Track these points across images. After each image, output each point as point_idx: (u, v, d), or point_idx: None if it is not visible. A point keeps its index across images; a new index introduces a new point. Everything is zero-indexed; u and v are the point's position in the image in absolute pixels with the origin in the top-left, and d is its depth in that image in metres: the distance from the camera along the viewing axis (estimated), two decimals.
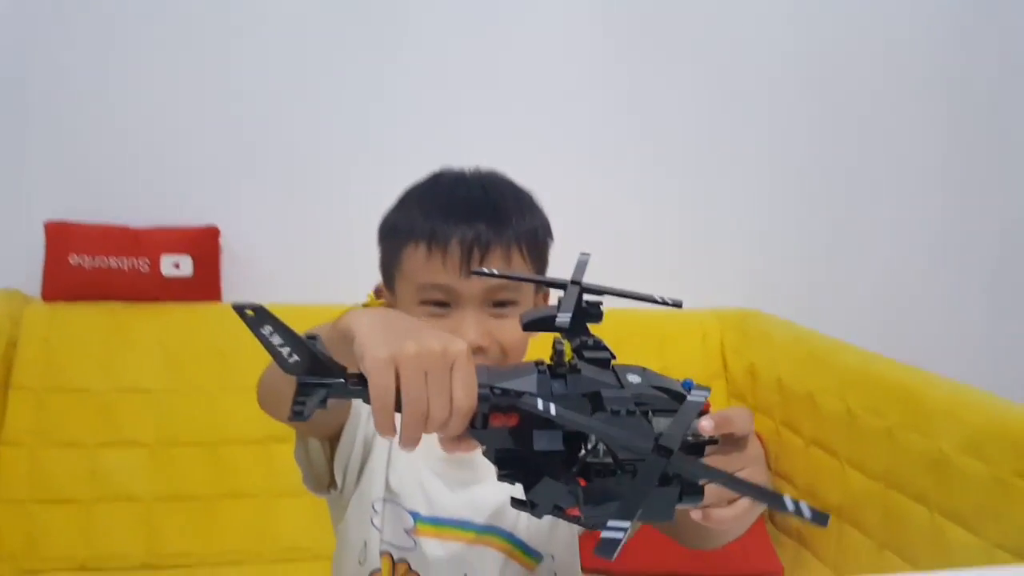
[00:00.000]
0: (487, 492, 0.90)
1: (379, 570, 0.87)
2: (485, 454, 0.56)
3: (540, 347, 0.72)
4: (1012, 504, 1.21)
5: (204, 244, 1.85)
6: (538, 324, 0.61)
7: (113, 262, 1.79)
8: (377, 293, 0.94)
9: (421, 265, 0.84)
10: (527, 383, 0.54)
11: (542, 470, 0.53)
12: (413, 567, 0.87)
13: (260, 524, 1.71)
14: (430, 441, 0.90)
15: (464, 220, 0.84)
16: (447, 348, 0.53)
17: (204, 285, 1.85)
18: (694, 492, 0.52)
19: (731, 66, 2.09)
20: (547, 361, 0.57)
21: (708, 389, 0.55)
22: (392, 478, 0.88)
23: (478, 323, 0.85)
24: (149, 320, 1.78)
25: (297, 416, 0.52)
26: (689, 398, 0.53)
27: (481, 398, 0.53)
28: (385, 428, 0.52)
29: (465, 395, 0.53)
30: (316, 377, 0.51)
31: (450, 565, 0.87)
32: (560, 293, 0.62)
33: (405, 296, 0.86)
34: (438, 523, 0.88)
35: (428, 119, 1.94)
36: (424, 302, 0.84)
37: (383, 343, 0.52)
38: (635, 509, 0.48)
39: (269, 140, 1.90)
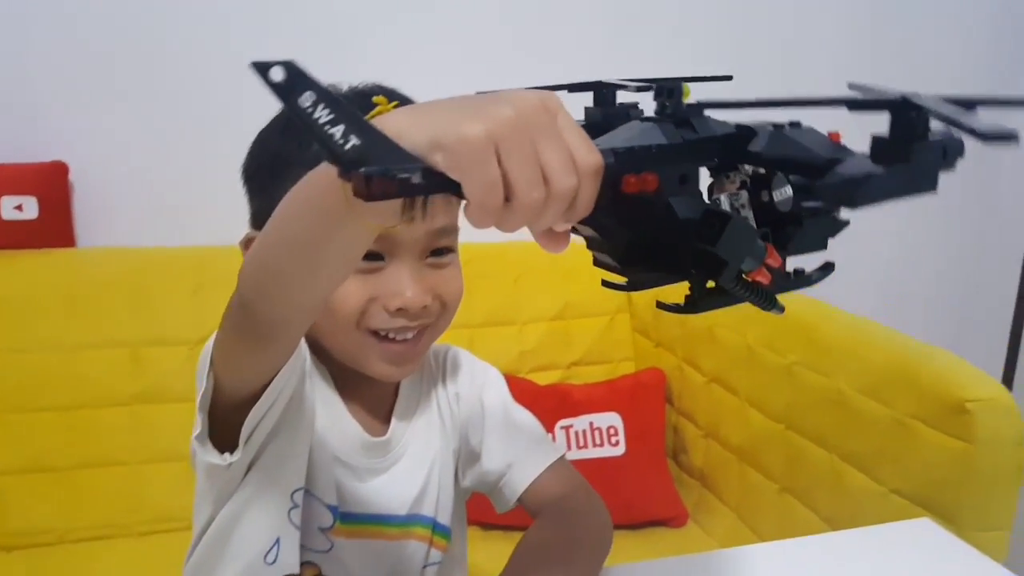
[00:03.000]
0: (404, 476, 0.81)
1: None
2: (607, 250, 0.45)
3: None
4: (910, 448, 1.17)
5: (50, 183, 1.64)
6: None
7: None
8: (247, 247, 0.75)
9: None
10: (650, 135, 0.42)
11: (683, 248, 0.42)
12: (324, 572, 0.76)
13: (128, 494, 1.56)
14: (336, 421, 0.78)
15: None
16: (544, 99, 0.39)
17: (53, 229, 1.65)
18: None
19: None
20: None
21: None
22: (310, 466, 0.75)
23: (420, 278, 0.73)
24: None
25: (365, 191, 0.35)
26: None
27: (605, 161, 0.39)
28: (493, 218, 0.38)
29: (588, 149, 0.39)
30: (391, 166, 0.35)
31: (371, 568, 0.77)
32: None
33: None
34: (357, 520, 0.78)
35: (324, 37, 1.74)
36: None
37: (464, 116, 0.37)
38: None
39: (124, 58, 1.66)
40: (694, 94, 0.45)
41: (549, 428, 1.62)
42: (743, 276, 0.44)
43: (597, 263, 0.47)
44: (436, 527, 0.83)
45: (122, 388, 1.56)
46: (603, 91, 0.48)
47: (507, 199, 0.37)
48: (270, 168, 0.75)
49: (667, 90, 0.44)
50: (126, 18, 1.66)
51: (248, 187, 0.78)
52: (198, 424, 0.66)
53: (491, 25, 1.83)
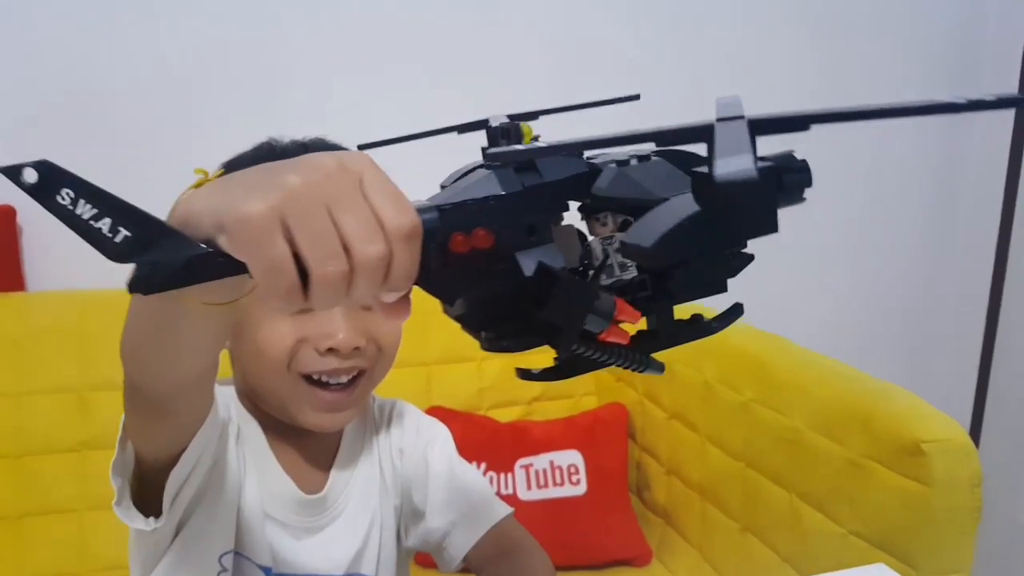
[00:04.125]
0: (342, 535, 0.78)
1: None
2: (454, 315, 0.40)
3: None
4: (866, 489, 1.15)
5: None
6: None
7: None
8: None
9: None
10: (486, 185, 0.38)
11: (540, 309, 0.37)
12: None
13: (76, 542, 1.52)
14: (268, 476, 0.75)
15: None
16: (343, 160, 0.35)
17: (1, 274, 1.62)
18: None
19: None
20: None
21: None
22: (240, 526, 0.73)
23: (354, 318, 0.71)
24: None
25: (143, 284, 0.33)
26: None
27: (427, 224, 0.36)
28: (290, 301, 0.35)
29: (397, 209, 0.35)
30: (168, 251, 0.33)
31: None
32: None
33: None
34: None
35: (280, 84, 1.72)
36: None
37: (246, 193, 0.34)
38: (741, 144, 0.31)
39: (72, 102, 1.64)
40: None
41: (508, 467, 1.59)
42: (594, 339, 0.39)
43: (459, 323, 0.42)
44: None
45: (69, 434, 1.52)
46: (494, 129, 0.45)
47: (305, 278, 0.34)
48: None
49: (503, 131, 0.40)
50: (76, 62, 1.62)
51: None
52: (116, 490, 0.63)
53: (451, 75, 1.81)
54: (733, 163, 0.30)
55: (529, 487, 1.58)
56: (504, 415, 1.70)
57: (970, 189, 2.15)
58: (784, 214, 0.40)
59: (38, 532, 1.52)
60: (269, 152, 0.76)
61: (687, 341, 0.43)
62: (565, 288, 0.37)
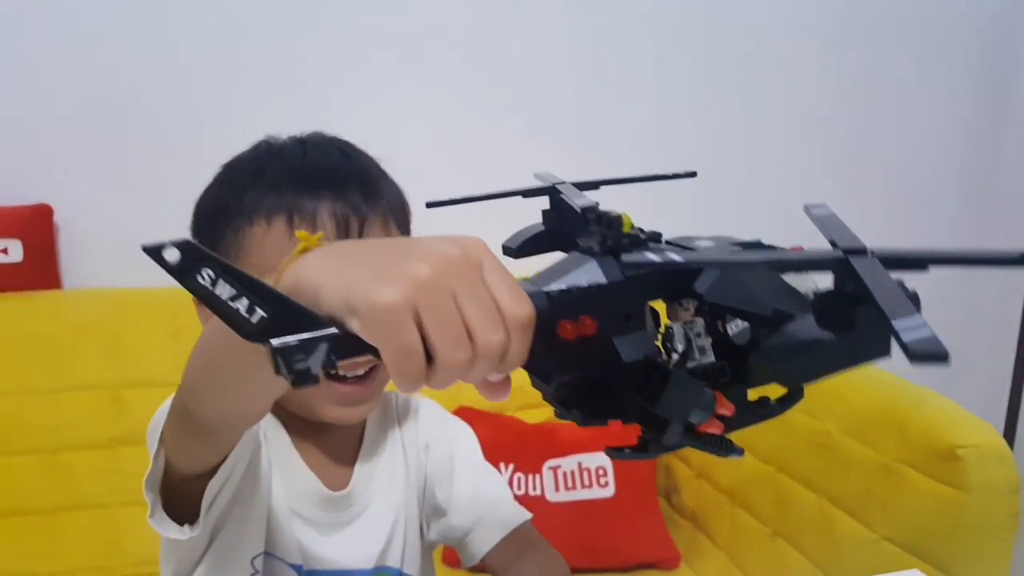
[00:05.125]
0: (368, 530, 0.79)
1: None
2: (547, 393, 0.42)
3: None
4: (900, 495, 1.13)
5: (35, 226, 1.63)
6: (535, 243, 0.46)
7: None
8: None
9: (280, 246, 0.69)
10: (588, 273, 0.38)
11: (628, 392, 0.39)
12: None
13: (108, 537, 1.53)
14: (293, 474, 0.76)
15: (331, 190, 0.70)
16: (465, 248, 0.36)
17: (38, 272, 1.64)
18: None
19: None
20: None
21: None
22: (270, 526, 0.74)
23: None
24: None
25: (303, 378, 0.34)
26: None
27: (537, 308, 0.37)
28: (416, 382, 0.36)
29: (516, 299, 0.36)
30: (303, 335, 0.34)
31: None
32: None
33: None
34: None
35: (294, 84, 1.73)
36: None
37: (377, 279, 0.35)
38: (905, 303, 0.33)
39: (107, 104, 1.67)
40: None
41: (536, 469, 1.59)
42: (692, 428, 0.41)
43: (546, 399, 0.44)
44: None
45: (102, 431, 1.54)
46: (558, 195, 0.46)
47: (430, 360, 0.35)
48: (209, 220, 0.74)
49: (607, 220, 0.40)
50: (110, 64, 1.65)
51: (197, 227, 0.77)
52: (149, 504, 0.64)
53: (464, 76, 1.81)
54: (916, 333, 0.32)
55: (557, 489, 1.58)
56: (532, 416, 1.69)
57: (1009, 192, 2.12)
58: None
59: (71, 527, 1.54)
60: (267, 151, 0.76)
61: (755, 423, 0.44)
62: (678, 385, 0.38)
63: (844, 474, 1.23)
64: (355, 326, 0.35)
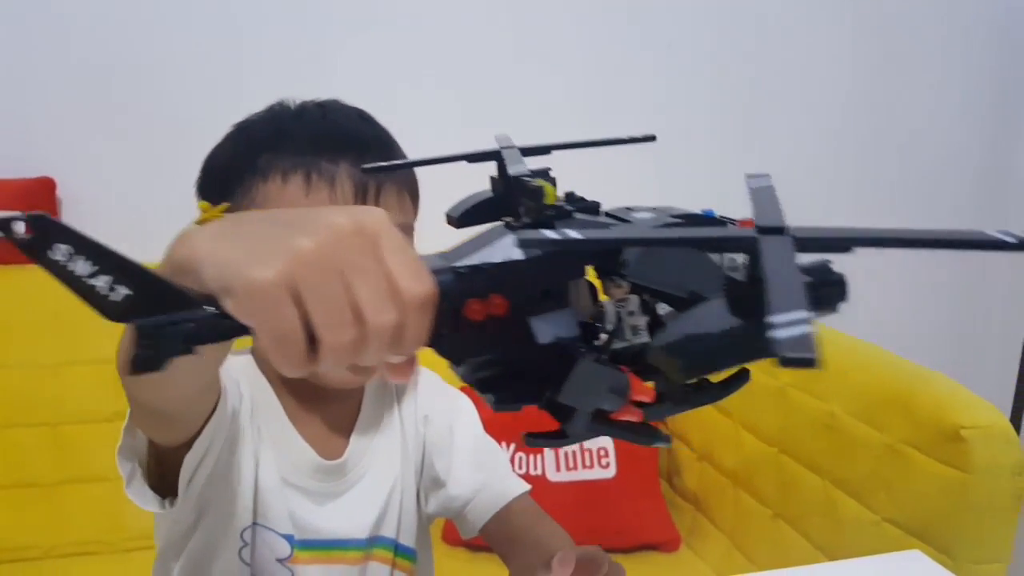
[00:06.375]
0: (363, 499, 0.78)
1: None
2: (460, 375, 0.39)
3: None
4: (903, 476, 1.13)
5: (38, 198, 1.62)
6: (479, 211, 0.43)
7: None
8: None
9: (295, 203, 0.69)
10: (503, 249, 0.36)
11: (550, 374, 0.36)
12: None
13: (111, 510, 1.53)
14: (287, 444, 0.75)
15: (352, 152, 0.70)
16: (360, 221, 0.33)
17: None
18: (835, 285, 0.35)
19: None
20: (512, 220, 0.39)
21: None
22: (258, 497, 0.74)
23: None
24: None
25: (145, 365, 0.32)
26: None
27: (442, 286, 0.34)
28: (298, 367, 0.33)
29: (413, 276, 0.33)
30: (168, 316, 0.32)
31: None
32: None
33: None
34: (316, 547, 0.76)
35: (300, 52, 1.72)
36: None
37: (255, 254, 0.32)
38: (795, 295, 0.28)
39: (111, 76, 1.66)
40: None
41: (538, 448, 1.59)
42: (605, 416, 0.38)
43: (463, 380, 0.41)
44: (398, 549, 0.81)
45: (107, 405, 1.53)
46: (504, 160, 0.43)
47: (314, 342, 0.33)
48: (219, 178, 0.73)
49: (528, 190, 0.38)
50: (115, 37, 1.65)
51: (205, 187, 0.77)
52: (125, 476, 0.65)
53: (473, 31, 1.80)
54: (790, 330, 0.27)
55: (558, 468, 1.58)
56: None
57: (1020, 176, 2.10)
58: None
59: (74, 500, 1.55)
60: (285, 112, 0.76)
61: (693, 407, 0.40)
62: (583, 373, 0.36)
63: (848, 456, 1.22)
64: (230, 306, 0.32)
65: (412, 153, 0.80)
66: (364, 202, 0.69)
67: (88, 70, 1.65)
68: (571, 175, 0.44)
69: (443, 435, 0.85)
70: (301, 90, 0.81)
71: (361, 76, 1.71)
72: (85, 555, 1.53)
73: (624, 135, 0.50)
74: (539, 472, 1.57)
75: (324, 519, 0.77)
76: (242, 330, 0.33)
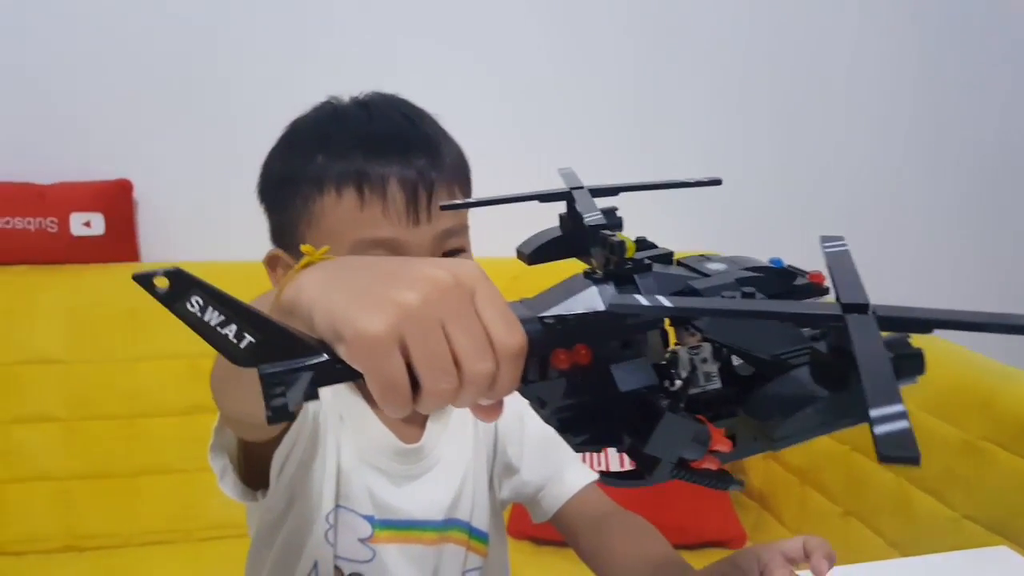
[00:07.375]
0: (438, 482, 0.80)
1: None
2: (544, 417, 0.41)
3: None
4: (982, 471, 1.11)
5: (116, 200, 1.69)
6: (549, 249, 0.46)
7: (18, 222, 1.63)
8: (270, 264, 0.76)
9: (351, 217, 0.69)
10: (587, 300, 0.38)
11: (624, 421, 0.38)
12: None
13: (185, 500, 1.59)
14: (367, 429, 0.77)
15: (399, 156, 0.70)
16: (458, 275, 0.36)
17: (118, 244, 1.70)
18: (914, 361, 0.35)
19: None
20: (595, 270, 0.41)
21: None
22: (341, 480, 0.76)
23: None
24: (58, 284, 1.63)
25: (279, 415, 0.35)
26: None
27: (530, 336, 0.36)
28: (403, 410, 0.36)
29: (507, 328, 0.35)
30: (289, 361, 0.34)
31: (413, 573, 0.77)
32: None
33: None
34: (395, 527, 0.77)
35: (362, 67, 1.76)
36: None
37: (364, 306, 0.34)
38: (890, 387, 0.30)
39: (184, 83, 1.72)
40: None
41: None
42: (686, 463, 0.39)
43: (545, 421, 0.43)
44: (472, 532, 0.82)
45: (180, 399, 1.59)
46: (574, 201, 0.45)
47: (417, 386, 0.35)
48: (278, 186, 0.75)
49: (610, 245, 0.40)
50: (186, 43, 1.70)
51: (264, 206, 0.78)
52: (218, 471, 0.68)
53: (516, 37, 1.82)
54: (890, 425, 0.29)
55: (623, 464, 1.58)
56: None
57: None
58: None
59: (149, 490, 1.60)
60: (331, 114, 0.77)
61: (754, 454, 0.42)
62: (669, 426, 0.37)
63: (925, 452, 1.18)
64: (342, 352, 0.34)
65: (458, 130, 0.79)
66: (417, 208, 0.69)
67: (165, 75, 1.71)
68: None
69: (513, 422, 0.87)
70: (367, 87, 0.83)
71: (423, 75, 1.73)
72: (161, 544, 1.58)
73: (689, 179, 0.51)
74: (603, 467, 1.58)
75: (402, 500, 0.78)
76: (355, 374, 0.35)
